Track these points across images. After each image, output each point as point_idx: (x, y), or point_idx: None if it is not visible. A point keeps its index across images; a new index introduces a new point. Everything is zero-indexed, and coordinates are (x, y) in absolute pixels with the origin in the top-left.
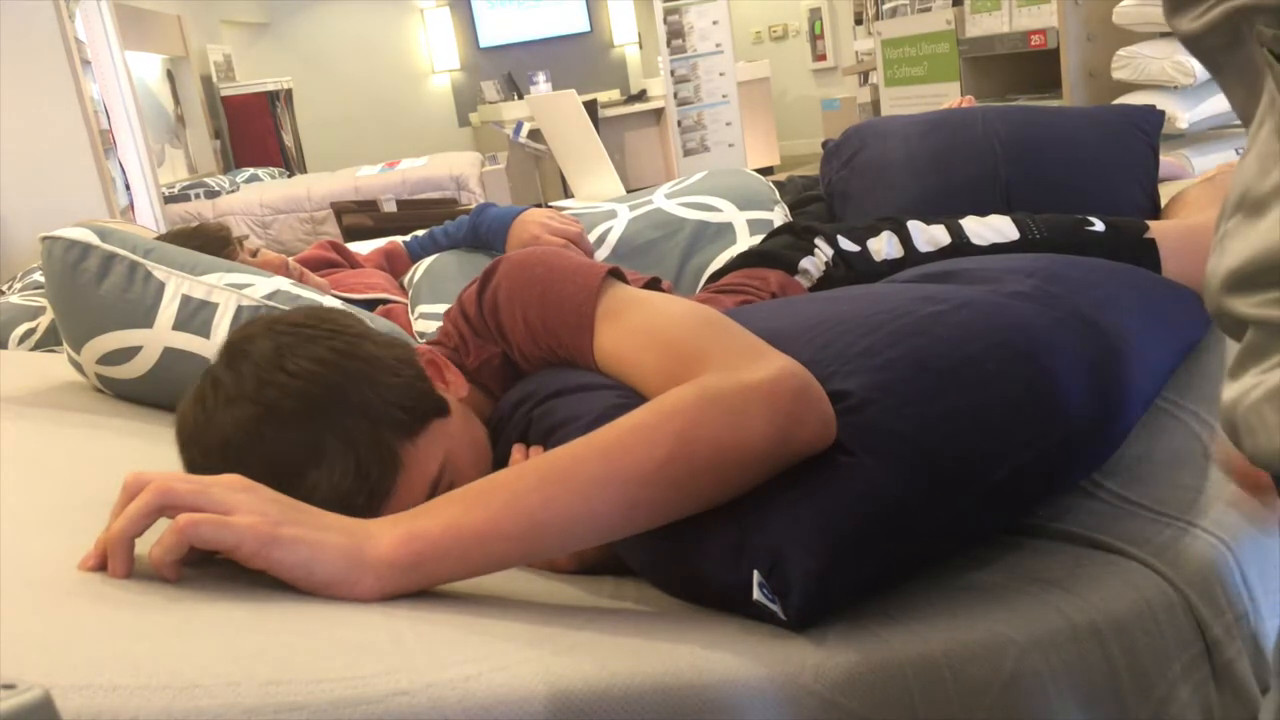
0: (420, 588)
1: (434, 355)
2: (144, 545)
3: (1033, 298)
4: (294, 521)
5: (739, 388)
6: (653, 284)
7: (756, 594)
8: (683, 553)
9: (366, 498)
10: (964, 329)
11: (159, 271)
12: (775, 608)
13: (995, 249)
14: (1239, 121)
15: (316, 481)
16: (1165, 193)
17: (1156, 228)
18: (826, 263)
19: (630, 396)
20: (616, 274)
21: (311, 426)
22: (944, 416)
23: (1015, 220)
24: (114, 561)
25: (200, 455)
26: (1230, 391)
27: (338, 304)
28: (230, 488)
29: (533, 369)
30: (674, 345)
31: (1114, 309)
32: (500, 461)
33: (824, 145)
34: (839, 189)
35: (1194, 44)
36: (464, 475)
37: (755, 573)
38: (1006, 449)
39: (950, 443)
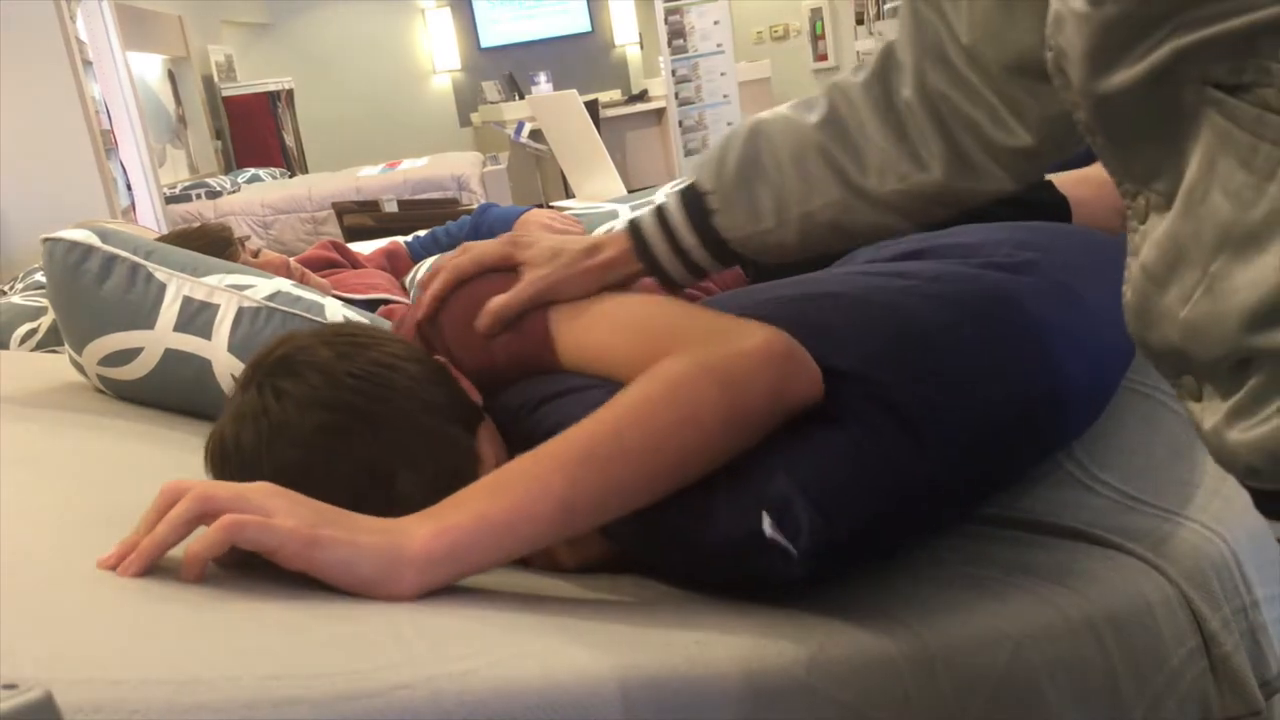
0: (457, 578)
1: (449, 366)
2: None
3: (1005, 266)
4: (331, 524)
5: (734, 354)
6: None
7: (769, 532)
8: (681, 515)
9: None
10: (938, 300)
11: (160, 273)
12: (787, 544)
13: None
14: None
15: (410, 485)
16: None
17: (1053, 178)
18: None
19: (616, 389)
20: None
21: (396, 427)
22: (920, 378)
23: None
24: (139, 560)
25: (273, 471)
26: (1260, 429)
27: (338, 304)
28: (265, 494)
29: (500, 385)
30: (647, 328)
31: (1083, 272)
32: None
33: None
34: None
35: (1113, 103)
36: None
37: (765, 514)
38: (987, 407)
39: (930, 404)
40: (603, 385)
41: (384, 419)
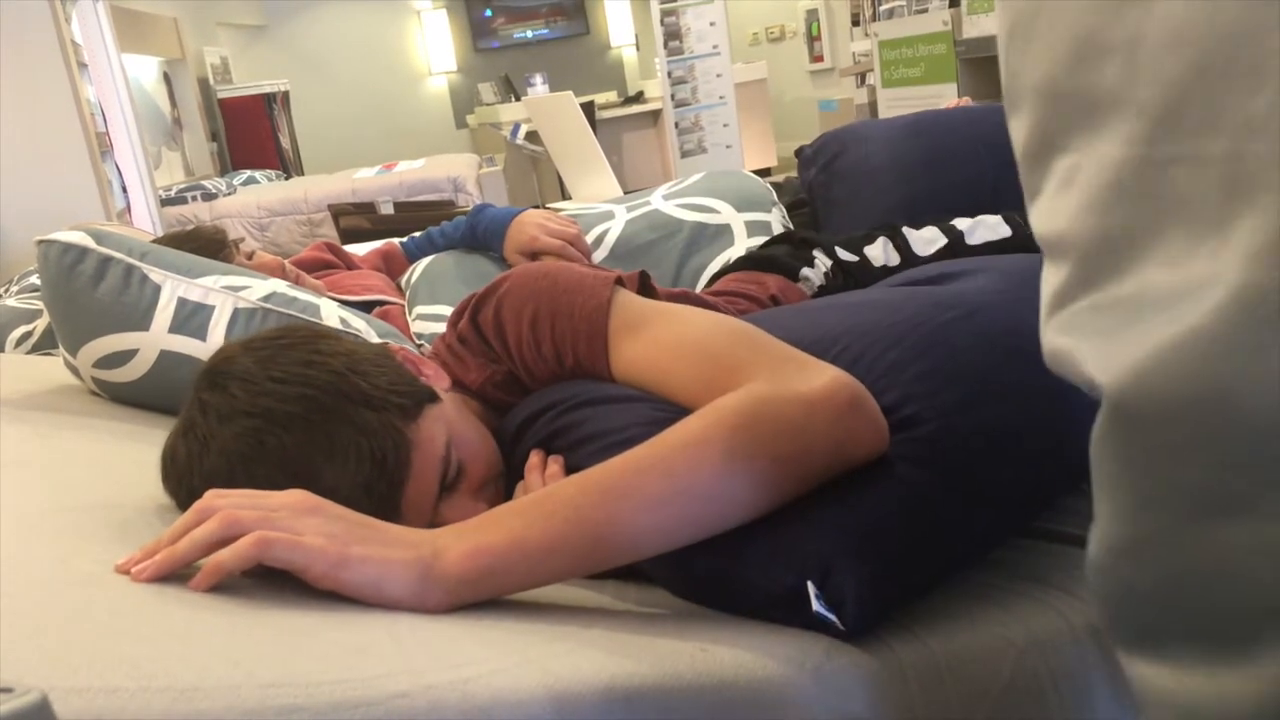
0: (486, 599)
1: (407, 353)
2: None
3: (1036, 300)
4: (361, 540)
5: (796, 399)
6: (644, 278)
7: (816, 606)
8: (722, 566)
9: (387, 484)
10: (981, 337)
11: (155, 274)
12: (833, 618)
13: (989, 246)
14: None
15: (335, 479)
16: None
17: None
18: (826, 273)
19: (666, 409)
20: (635, 281)
21: (315, 424)
22: (977, 429)
23: (1005, 217)
24: (153, 570)
25: (202, 482)
26: None
27: (334, 305)
28: (296, 511)
29: (538, 386)
30: (711, 355)
31: None
32: (517, 467)
33: (797, 153)
34: (820, 194)
35: None
36: (471, 456)
37: (810, 585)
38: (1033, 457)
39: (984, 455)
40: (647, 399)
41: (301, 418)
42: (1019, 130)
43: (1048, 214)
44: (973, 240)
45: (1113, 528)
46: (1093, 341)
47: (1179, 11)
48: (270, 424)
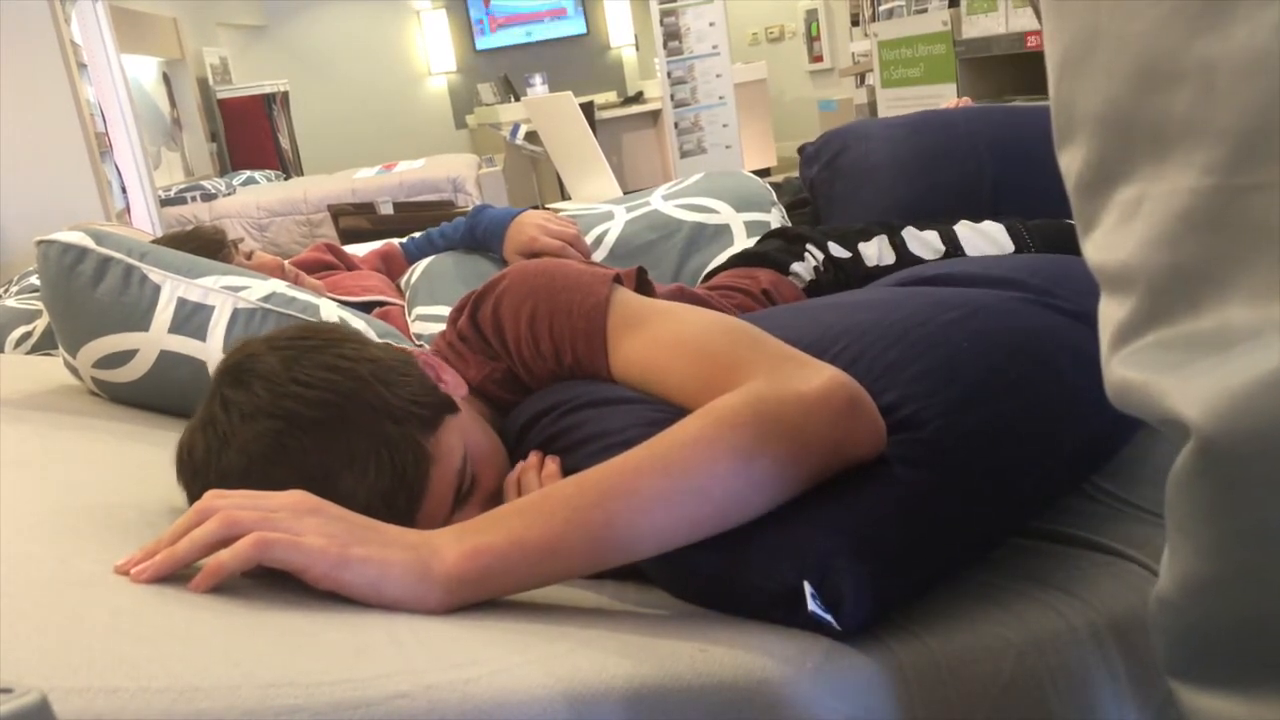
0: (484, 599)
1: (428, 357)
2: None
3: (1038, 301)
4: (361, 541)
5: (795, 398)
6: (641, 274)
7: (811, 606)
8: (720, 565)
9: (406, 495)
10: (983, 337)
11: (154, 274)
12: (829, 618)
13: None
14: None
15: (353, 486)
16: None
17: None
18: (816, 267)
19: (666, 410)
20: (633, 278)
21: (337, 431)
22: (976, 429)
23: (1009, 228)
24: (152, 571)
25: (219, 479)
26: None
27: (333, 305)
28: (296, 511)
29: (538, 384)
30: (710, 354)
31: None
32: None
33: (800, 150)
34: (822, 191)
35: None
36: (484, 467)
37: (807, 584)
38: (1032, 457)
39: (983, 455)
40: (647, 401)
41: (323, 424)
42: (1073, 161)
43: (1107, 246)
44: (972, 254)
45: (1194, 564)
46: (1173, 377)
47: (1259, 38)
48: (292, 427)
